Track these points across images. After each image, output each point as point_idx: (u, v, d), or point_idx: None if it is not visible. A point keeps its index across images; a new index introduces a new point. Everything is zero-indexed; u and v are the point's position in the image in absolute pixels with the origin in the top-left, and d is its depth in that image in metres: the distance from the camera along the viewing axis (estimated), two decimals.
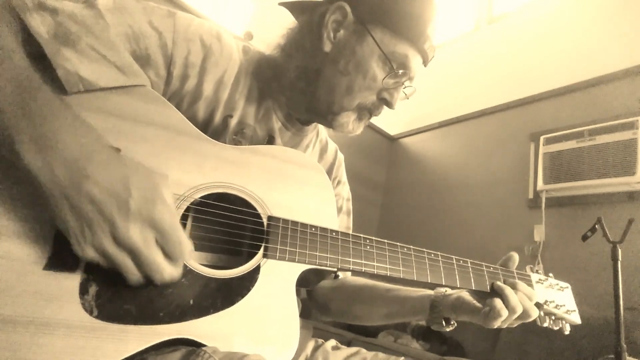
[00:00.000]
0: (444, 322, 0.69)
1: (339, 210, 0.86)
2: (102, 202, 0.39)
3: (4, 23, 0.44)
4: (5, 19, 0.44)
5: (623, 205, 1.93)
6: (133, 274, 0.41)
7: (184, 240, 0.44)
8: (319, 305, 0.84)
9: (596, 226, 1.13)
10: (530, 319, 0.66)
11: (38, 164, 0.38)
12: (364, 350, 0.72)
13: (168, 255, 0.43)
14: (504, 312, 0.62)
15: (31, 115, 0.39)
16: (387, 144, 3.58)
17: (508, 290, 0.64)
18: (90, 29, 0.50)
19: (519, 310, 0.63)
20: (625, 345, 1.03)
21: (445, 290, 0.72)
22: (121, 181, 0.41)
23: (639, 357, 1.22)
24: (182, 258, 0.44)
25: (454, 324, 0.70)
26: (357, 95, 0.66)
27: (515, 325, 0.66)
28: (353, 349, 0.73)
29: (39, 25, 0.46)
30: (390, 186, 3.46)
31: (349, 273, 0.85)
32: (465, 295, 0.69)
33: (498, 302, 0.62)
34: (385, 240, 0.63)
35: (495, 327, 0.63)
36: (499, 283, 0.66)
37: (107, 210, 0.39)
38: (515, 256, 0.73)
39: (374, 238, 0.63)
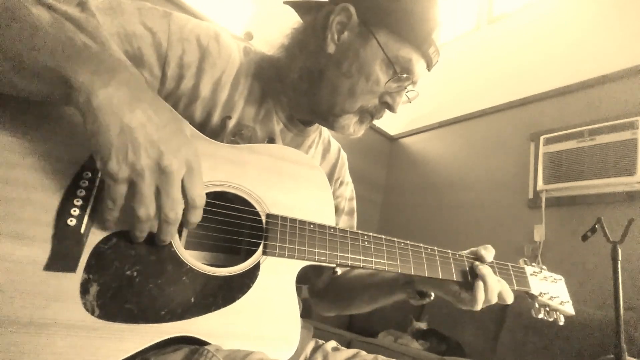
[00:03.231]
0: (419, 296, 0.73)
1: (341, 211, 0.86)
2: (152, 130, 0.41)
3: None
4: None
5: (623, 205, 1.94)
6: (150, 206, 0.42)
7: (203, 188, 0.45)
8: (321, 302, 0.87)
9: (596, 226, 1.13)
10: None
11: (93, 80, 0.39)
12: (363, 353, 0.71)
13: (186, 196, 0.44)
14: (481, 295, 0.65)
15: (80, 50, 0.42)
16: (387, 144, 3.59)
17: (488, 278, 0.67)
18: (83, 28, 0.50)
19: (494, 301, 0.67)
20: (625, 345, 1.03)
21: None
22: (169, 118, 0.44)
23: (639, 357, 1.22)
24: (199, 202, 0.45)
25: (431, 295, 0.73)
26: (360, 98, 0.65)
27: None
28: (352, 351, 0.72)
29: (38, 17, 0.46)
30: (390, 186, 3.46)
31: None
32: None
33: (480, 287, 0.66)
34: (383, 236, 0.64)
35: (465, 308, 0.68)
36: (480, 269, 0.68)
37: (156, 137, 0.41)
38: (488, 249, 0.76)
39: (371, 234, 0.63)
